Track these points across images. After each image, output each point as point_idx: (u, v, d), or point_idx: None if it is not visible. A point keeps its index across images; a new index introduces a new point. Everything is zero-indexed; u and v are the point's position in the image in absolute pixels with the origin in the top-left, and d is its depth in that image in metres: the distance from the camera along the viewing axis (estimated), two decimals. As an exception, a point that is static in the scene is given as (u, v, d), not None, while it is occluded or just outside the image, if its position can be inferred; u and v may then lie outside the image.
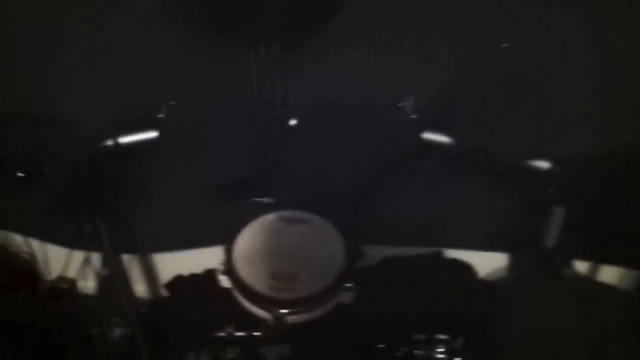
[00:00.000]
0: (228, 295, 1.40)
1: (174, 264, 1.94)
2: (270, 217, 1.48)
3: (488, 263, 1.85)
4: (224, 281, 1.39)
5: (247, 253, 1.40)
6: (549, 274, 1.59)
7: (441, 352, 1.59)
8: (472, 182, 1.60)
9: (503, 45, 1.46)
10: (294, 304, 1.31)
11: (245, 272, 1.36)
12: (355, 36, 1.43)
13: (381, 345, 1.60)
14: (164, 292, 2.00)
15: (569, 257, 1.57)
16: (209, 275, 1.95)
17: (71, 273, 1.95)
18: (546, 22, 1.40)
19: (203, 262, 1.88)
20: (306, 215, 1.48)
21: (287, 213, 1.48)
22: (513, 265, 1.79)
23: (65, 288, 1.98)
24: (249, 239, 1.44)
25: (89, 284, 1.96)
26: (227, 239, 1.43)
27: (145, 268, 1.97)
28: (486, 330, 1.59)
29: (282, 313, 1.31)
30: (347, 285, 1.35)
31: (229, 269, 1.37)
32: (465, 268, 1.88)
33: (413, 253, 1.83)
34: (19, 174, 1.41)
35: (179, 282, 1.98)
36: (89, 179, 1.48)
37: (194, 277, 1.95)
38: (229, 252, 1.40)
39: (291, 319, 1.32)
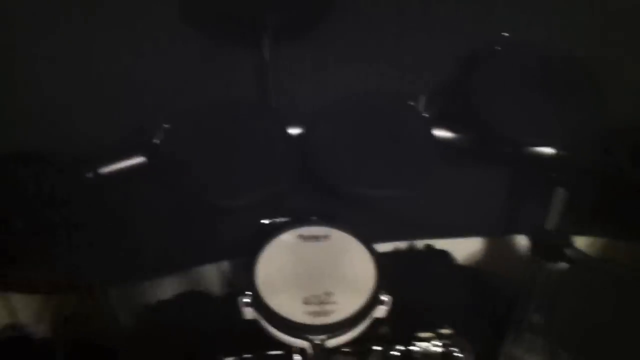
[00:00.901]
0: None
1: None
2: (287, 237, 1.36)
3: (486, 249, 1.87)
4: (249, 313, 1.26)
5: (272, 280, 1.28)
6: (553, 255, 1.61)
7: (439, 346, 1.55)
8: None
9: (502, 34, 1.45)
10: (334, 328, 1.22)
11: (274, 301, 1.24)
12: (358, 33, 1.33)
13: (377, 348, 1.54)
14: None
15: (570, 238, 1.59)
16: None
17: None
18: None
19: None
20: (325, 229, 1.37)
21: (305, 230, 1.37)
22: (514, 249, 1.82)
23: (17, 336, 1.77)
24: (271, 264, 1.31)
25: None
26: (240, 264, 1.30)
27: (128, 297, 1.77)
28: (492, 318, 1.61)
29: (322, 339, 1.21)
30: (383, 298, 1.28)
31: (255, 299, 1.25)
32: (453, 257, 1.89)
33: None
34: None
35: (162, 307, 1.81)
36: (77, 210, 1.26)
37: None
38: (251, 281, 1.27)
39: (330, 343, 1.23)
